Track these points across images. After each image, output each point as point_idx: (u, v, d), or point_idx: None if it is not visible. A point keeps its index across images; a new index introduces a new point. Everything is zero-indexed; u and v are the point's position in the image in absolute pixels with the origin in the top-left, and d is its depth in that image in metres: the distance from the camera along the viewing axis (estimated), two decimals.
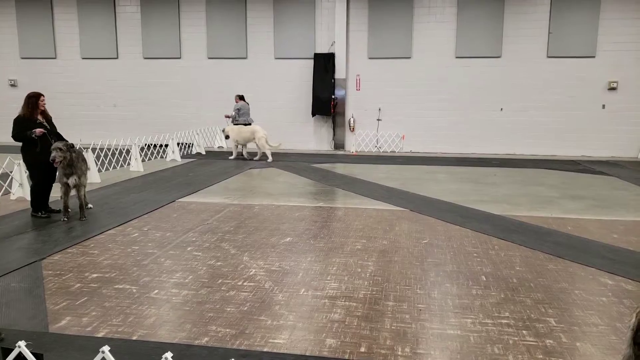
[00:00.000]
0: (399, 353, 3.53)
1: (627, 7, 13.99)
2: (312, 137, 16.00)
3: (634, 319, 2.50)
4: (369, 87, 15.45)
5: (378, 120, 15.51)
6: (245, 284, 4.77)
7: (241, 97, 13.88)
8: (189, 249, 5.83)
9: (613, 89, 14.36)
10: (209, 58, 16.34)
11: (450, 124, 15.14)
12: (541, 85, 14.62)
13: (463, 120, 15.09)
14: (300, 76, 15.75)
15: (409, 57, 15.16)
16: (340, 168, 12.20)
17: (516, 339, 3.75)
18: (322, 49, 15.52)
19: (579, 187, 9.74)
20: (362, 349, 3.58)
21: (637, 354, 2.46)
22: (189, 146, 14.97)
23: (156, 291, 4.59)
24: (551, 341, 3.71)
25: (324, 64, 15.31)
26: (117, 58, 16.85)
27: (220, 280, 4.84)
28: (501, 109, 14.90)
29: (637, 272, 5.10)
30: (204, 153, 14.62)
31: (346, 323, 3.98)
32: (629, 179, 10.61)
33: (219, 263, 5.34)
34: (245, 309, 4.22)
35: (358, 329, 3.88)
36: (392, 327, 3.91)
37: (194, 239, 6.21)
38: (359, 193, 8.97)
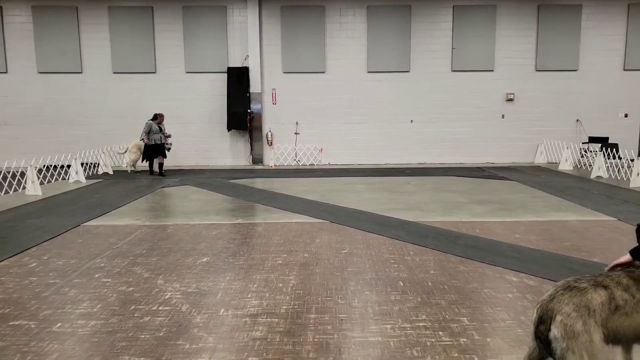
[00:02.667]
0: None
1: (519, 25, 15.33)
2: (229, 153, 15.76)
3: (535, 314, 2.65)
4: (286, 101, 15.55)
5: (296, 134, 15.63)
6: (160, 308, 4.53)
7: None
8: (96, 275, 5.44)
9: (510, 100, 15.60)
10: (115, 73, 15.59)
11: (365, 137, 15.61)
12: (447, 97, 15.54)
13: (377, 132, 15.62)
14: (214, 90, 15.50)
15: (323, 72, 15.49)
16: (259, 183, 12.09)
17: (433, 340, 3.87)
18: (236, 62, 15.41)
19: (485, 192, 10.40)
20: None
21: (540, 346, 2.61)
22: (94, 166, 14.12)
23: (59, 324, 4.22)
24: (465, 339, 3.88)
25: (238, 78, 15.19)
26: (6, 72, 15.52)
27: (132, 307, 4.55)
28: (411, 121, 15.61)
29: (537, 268, 5.50)
30: (111, 173, 13.83)
31: (268, 340, 3.90)
32: (528, 183, 11.51)
33: (130, 288, 5.03)
34: (161, 334, 4.00)
35: (280, 345, 3.81)
36: (315, 340, 3.88)
37: (102, 264, 5.81)
38: (279, 207, 8.93)
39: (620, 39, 15.41)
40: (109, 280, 5.27)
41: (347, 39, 15.38)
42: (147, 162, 13.46)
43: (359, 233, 7.10)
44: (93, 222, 7.92)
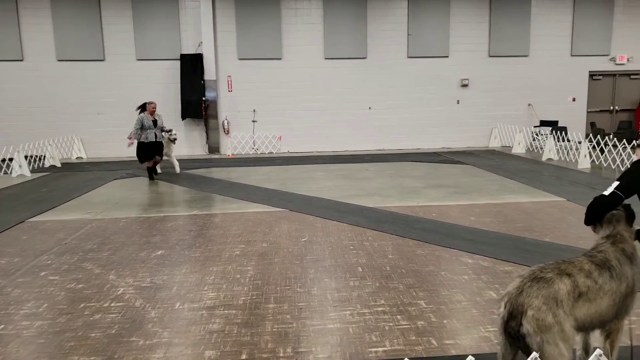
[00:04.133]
0: (281, 354, 3.47)
1: (472, 11, 15.58)
2: (184, 142, 15.34)
3: (502, 309, 2.60)
4: (242, 89, 15.26)
5: (253, 121, 15.40)
6: (112, 305, 4.36)
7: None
8: (42, 273, 5.18)
9: (465, 85, 15.88)
10: (59, 60, 14.83)
11: (324, 123, 15.55)
12: (404, 84, 15.65)
13: (336, 119, 15.59)
14: (167, 78, 15.02)
15: (280, 58, 15.27)
16: (216, 173, 11.85)
17: (391, 324, 3.89)
18: (189, 49, 14.96)
19: (441, 177, 10.58)
20: (244, 356, 3.46)
21: (510, 341, 2.60)
22: (40, 159, 13.47)
23: (1, 327, 3.99)
24: (422, 322, 3.92)
25: (192, 66, 14.77)
26: None
27: (82, 305, 4.36)
28: (370, 108, 15.66)
29: (491, 249, 5.63)
30: (59, 165, 13.22)
31: (226, 332, 3.82)
32: (482, 167, 11.79)
33: (80, 285, 4.82)
34: (113, 332, 3.85)
35: (238, 337, 3.74)
36: (274, 330, 3.84)
37: (49, 262, 5.54)
38: (237, 197, 8.78)
39: (567, 25, 15.92)
40: (57, 278, 5.03)
41: (303, 25, 15.20)
42: (145, 165, 10.72)
43: (319, 220, 7.07)
44: (39, 218, 7.55)
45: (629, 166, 2.82)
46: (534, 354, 2.14)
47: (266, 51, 15.16)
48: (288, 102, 15.39)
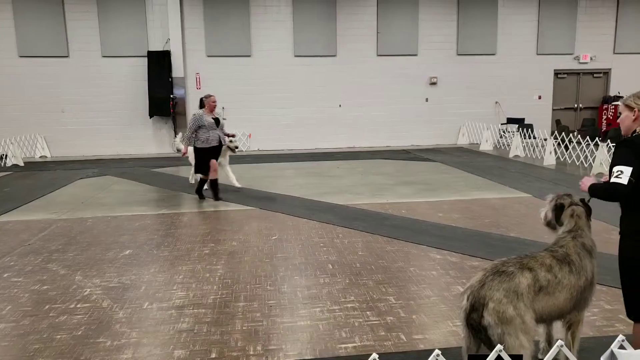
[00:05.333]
0: (251, 352, 3.47)
1: (441, 10, 15.79)
2: (152, 140, 15.09)
3: (465, 302, 2.67)
4: (211, 86, 15.03)
5: (223, 119, 15.19)
6: (78, 306, 4.27)
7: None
8: (5, 275, 5.03)
9: (434, 84, 16.10)
10: (21, 56, 14.35)
11: (294, 121, 15.52)
12: (374, 82, 15.76)
13: (306, 117, 15.58)
14: (134, 75, 14.71)
15: (249, 56, 15.15)
16: (185, 171, 11.61)
17: (361, 320, 3.94)
18: (157, 46, 14.70)
19: (411, 174, 10.71)
20: (213, 355, 3.45)
21: (472, 334, 2.67)
22: (2, 158, 13.03)
23: None
24: (392, 317, 3.97)
25: (159, 63, 14.50)
26: None
27: (47, 306, 4.26)
28: (340, 106, 15.72)
29: (459, 245, 5.75)
30: (22, 165, 12.80)
31: (195, 331, 3.80)
32: (450, 164, 12.00)
33: (45, 287, 4.70)
34: (79, 333, 3.77)
35: (208, 335, 3.72)
36: (244, 328, 3.83)
37: (11, 263, 5.38)
38: (206, 195, 8.68)
39: (533, 25, 16.32)
40: (20, 279, 4.89)
41: (272, 23, 15.12)
42: (198, 175, 8.67)
43: (289, 218, 7.07)
44: (1, 219, 7.31)
45: (619, 149, 2.83)
46: (499, 346, 2.20)
47: (235, 48, 15.02)
48: (258, 99, 15.29)
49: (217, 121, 8.30)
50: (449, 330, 3.77)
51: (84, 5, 14.37)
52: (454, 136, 16.38)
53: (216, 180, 8.30)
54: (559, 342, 2.30)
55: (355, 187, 9.27)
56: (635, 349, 3.17)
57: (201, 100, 8.36)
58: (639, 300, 2.82)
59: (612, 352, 2.15)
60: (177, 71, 14.70)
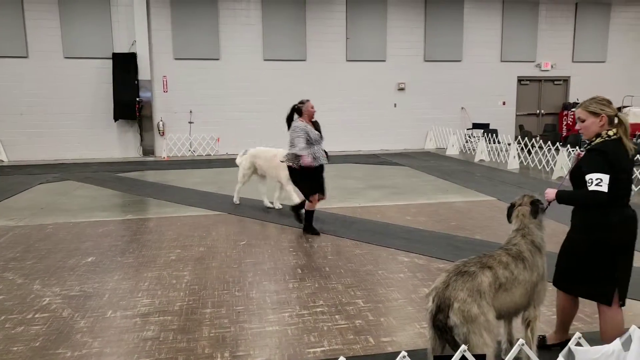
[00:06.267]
0: (218, 359, 3.41)
1: (408, 16, 16.04)
2: (117, 144, 14.73)
3: (430, 303, 2.72)
4: (178, 89, 14.85)
5: (190, 123, 15.03)
6: (37, 316, 4.10)
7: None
8: None
9: (402, 89, 16.32)
10: None
11: (264, 125, 15.41)
12: (343, 87, 15.85)
13: (276, 121, 15.39)
14: (97, 78, 14.35)
15: (218, 59, 15.01)
16: (151, 175, 11.46)
17: (330, 324, 3.92)
18: (122, 48, 14.39)
19: (380, 178, 10.80)
20: None
21: (438, 334, 2.71)
22: None
23: None
24: (360, 321, 3.98)
25: (125, 65, 14.20)
26: None
27: (2, 317, 4.08)
28: None
29: (426, 247, 5.82)
30: None
31: (161, 339, 3.71)
32: (418, 168, 12.16)
33: (0, 297, 4.50)
34: (37, 344, 3.62)
35: (174, 343, 3.64)
36: (211, 335, 3.77)
37: None
38: (173, 201, 8.53)
39: (497, 32, 16.76)
40: None
41: (242, 26, 15.03)
42: (307, 204, 6.50)
43: (258, 223, 7.01)
44: None
45: (593, 157, 3.02)
46: (463, 346, 2.23)
47: (203, 51, 14.85)
48: (226, 103, 15.15)
49: (319, 132, 6.53)
50: (416, 332, 3.79)
51: (44, 5, 13.93)
52: (421, 141, 16.61)
53: (310, 212, 6.47)
54: (520, 341, 2.36)
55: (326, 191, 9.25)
56: (558, 318, 3.41)
57: (295, 108, 6.62)
58: (565, 275, 3.22)
59: (569, 349, 2.21)
60: (143, 74, 14.42)
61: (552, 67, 17.22)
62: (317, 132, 6.43)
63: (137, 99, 14.32)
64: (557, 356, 2.24)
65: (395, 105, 16.35)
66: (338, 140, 15.89)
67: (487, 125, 16.08)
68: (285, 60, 15.38)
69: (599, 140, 3.07)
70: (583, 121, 3.13)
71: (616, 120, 3.09)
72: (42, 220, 7.27)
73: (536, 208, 3.15)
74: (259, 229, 6.73)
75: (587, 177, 2.94)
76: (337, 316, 4.06)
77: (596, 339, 3.10)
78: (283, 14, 15.17)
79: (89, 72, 14.30)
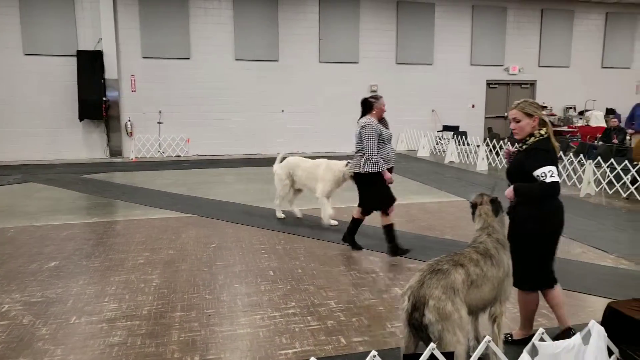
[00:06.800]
0: None
1: (381, 19, 16.16)
2: (82, 145, 14.32)
3: (406, 302, 2.73)
4: (147, 88, 14.56)
5: (159, 123, 14.74)
6: None
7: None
8: None
9: (374, 91, 16.39)
10: None
11: (235, 126, 15.29)
12: (317, 87, 15.84)
13: (248, 122, 15.40)
14: (61, 76, 13.91)
15: (188, 58, 14.78)
16: (119, 177, 11.18)
17: (302, 325, 3.89)
18: (87, 46, 13.99)
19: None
20: None
21: (413, 332, 2.73)
22: None
23: None
24: (332, 321, 3.96)
25: (90, 63, 13.81)
26: None
27: None
28: (283, 111, 15.66)
29: None
30: None
31: (128, 344, 3.60)
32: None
33: None
34: None
35: (142, 348, 3.54)
36: (180, 339, 3.68)
37: None
38: (141, 203, 8.34)
39: (467, 37, 17.07)
40: None
41: (213, 25, 14.85)
42: (360, 214, 5.83)
43: (229, 225, 6.92)
44: None
45: (541, 153, 3.27)
46: (432, 345, 2.24)
47: (173, 50, 14.60)
48: (197, 103, 14.94)
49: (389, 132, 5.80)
50: (388, 331, 3.80)
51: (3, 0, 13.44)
52: (393, 143, 16.69)
53: (390, 227, 5.60)
54: (487, 338, 2.39)
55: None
56: (521, 314, 3.51)
57: (367, 102, 5.73)
58: (523, 272, 3.30)
59: (533, 345, 2.26)
60: (110, 72, 14.07)
61: (519, 71, 17.64)
62: (390, 131, 5.83)
63: (104, 99, 13.96)
64: (522, 352, 2.28)
65: None
66: (311, 141, 15.91)
67: (457, 127, 16.34)
68: (258, 61, 15.28)
69: (533, 139, 3.31)
70: (518, 122, 3.35)
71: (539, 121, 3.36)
72: (3, 224, 6.99)
73: (497, 207, 3.24)
74: (230, 231, 6.64)
75: (538, 171, 3.16)
76: (309, 317, 4.03)
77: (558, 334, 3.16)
78: (255, 14, 15.07)
79: (52, 70, 13.86)
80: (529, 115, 3.30)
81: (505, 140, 13.68)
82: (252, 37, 15.11)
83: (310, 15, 15.58)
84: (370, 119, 5.60)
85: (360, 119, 5.70)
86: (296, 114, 15.80)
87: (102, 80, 13.94)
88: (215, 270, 5.14)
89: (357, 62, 16.13)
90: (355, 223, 5.80)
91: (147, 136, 14.71)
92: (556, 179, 3.16)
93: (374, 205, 5.68)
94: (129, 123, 14.47)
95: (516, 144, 3.50)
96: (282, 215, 7.31)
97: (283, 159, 7.47)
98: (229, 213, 7.60)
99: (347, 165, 6.26)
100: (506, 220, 3.36)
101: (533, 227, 3.27)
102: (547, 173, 3.14)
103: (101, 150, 14.48)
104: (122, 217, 7.47)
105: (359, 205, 5.78)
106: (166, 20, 14.43)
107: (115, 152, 14.51)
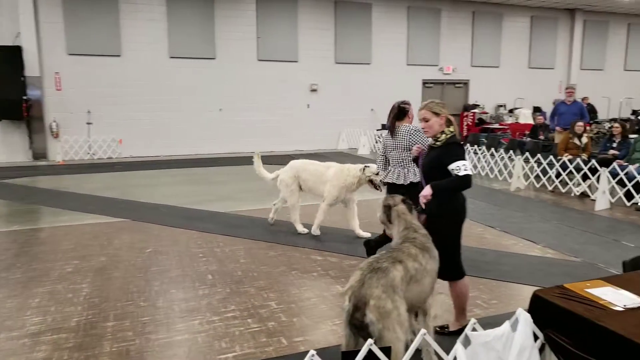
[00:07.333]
0: None
1: (319, 18, 16.16)
2: (1, 147, 13.31)
3: (347, 303, 2.69)
4: (74, 87, 13.75)
5: (88, 123, 13.97)
6: None
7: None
8: None
9: (314, 90, 16.45)
10: None
11: (172, 126, 14.79)
12: (256, 86, 15.62)
13: (184, 121, 14.95)
14: None
15: (119, 55, 14.11)
16: (44, 181, 10.47)
17: (242, 328, 3.81)
18: (4, 40, 12.95)
19: None
20: None
21: (354, 332, 2.70)
22: None
23: None
24: (273, 323, 3.90)
25: (8, 59, 12.75)
26: None
27: None
28: (220, 110, 15.35)
29: (338, 246, 5.88)
30: None
31: (54, 359, 3.35)
32: None
33: None
34: None
35: None
36: (113, 349, 3.50)
37: None
38: (69, 208, 7.84)
39: (403, 37, 17.46)
40: None
41: (145, 21, 14.25)
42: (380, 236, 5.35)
43: (165, 229, 6.66)
44: None
45: (455, 148, 3.48)
46: (370, 341, 2.24)
47: (102, 47, 13.87)
48: (130, 102, 14.30)
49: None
50: (329, 329, 3.78)
51: None
52: (334, 141, 16.87)
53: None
54: (422, 331, 2.42)
55: (237, 193, 9.07)
56: (456, 305, 3.64)
57: (403, 109, 5.18)
58: (449, 265, 3.43)
59: (466, 335, 2.31)
60: (31, 70, 13.14)
61: (453, 71, 18.28)
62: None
63: (24, 98, 13.02)
64: (455, 342, 2.32)
65: (308, 106, 16.45)
66: (251, 141, 15.70)
67: None
68: (193, 59, 14.85)
69: (444, 136, 3.51)
70: (427, 121, 3.53)
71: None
72: None
73: (409, 205, 3.37)
74: (166, 235, 6.39)
75: (453, 165, 3.37)
76: (249, 320, 3.94)
77: (493, 322, 3.26)
78: (189, 11, 14.63)
79: None
80: (437, 114, 3.50)
81: None
82: (187, 34, 14.67)
83: (247, 13, 15.35)
84: (414, 125, 5.10)
85: (395, 124, 5.09)
86: (236, 113, 15.53)
87: (22, 78, 12.99)
88: (150, 276, 4.93)
89: (296, 61, 16.09)
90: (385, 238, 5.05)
91: (76, 137, 13.89)
92: (469, 172, 3.38)
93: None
94: (54, 124, 13.59)
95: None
96: (305, 230, 6.39)
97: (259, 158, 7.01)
98: (165, 216, 7.32)
99: (375, 173, 5.80)
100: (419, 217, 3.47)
101: (450, 219, 3.47)
102: (461, 167, 3.35)
103: (23, 153, 13.51)
104: (47, 224, 7.00)
105: None
106: (93, 15, 13.67)
107: (39, 154, 13.59)
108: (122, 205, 8.05)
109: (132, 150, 14.41)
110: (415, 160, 3.95)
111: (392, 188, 5.04)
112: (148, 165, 12.84)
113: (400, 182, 5.01)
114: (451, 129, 3.53)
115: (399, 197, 3.42)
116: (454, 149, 3.45)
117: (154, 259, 5.46)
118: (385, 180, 5.24)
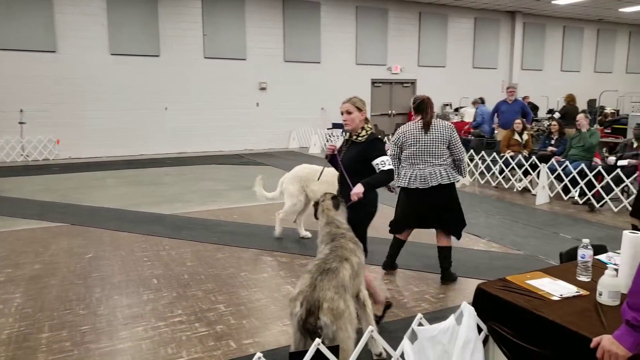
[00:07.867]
0: None
1: (267, 17, 15.99)
2: None
3: (298, 308, 2.59)
4: (4, 85, 12.87)
5: (21, 123, 13.18)
6: None
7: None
8: None
9: (263, 89, 16.28)
10: None
11: (114, 125, 14.21)
12: (203, 84, 15.29)
13: (128, 120, 14.41)
14: None
15: (54, 51, 13.40)
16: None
17: (189, 333, 3.68)
18: None
19: (243, 179, 10.57)
20: None
21: (306, 336, 2.61)
22: None
23: None
24: (221, 326, 3.79)
25: None
26: None
27: None
28: (166, 109, 14.91)
29: (290, 245, 5.82)
30: None
31: None
32: (282, 167, 12.14)
33: None
34: None
35: None
36: None
37: None
38: (2, 214, 7.37)
39: (352, 36, 17.59)
40: None
41: (83, 16, 13.61)
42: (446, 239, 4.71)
43: (107, 233, 6.36)
44: None
45: (378, 144, 3.65)
46: (317, 340, 2.21)
47: (36, 42, 13.11)
48: (67, 101, 13.61)
49: None
50: (279, 330, 3.72)
51: None
52: (285, 140, 16.77)
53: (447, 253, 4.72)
54: (370, 328, 2.41)
55: (184, 195, 8.82)
56: (369, 290, 3.55)
57: (422, 102, 4.61)
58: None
59: (412, 330, 2.33)
60: None
61: (401, 70, 18.60)
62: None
63: None
64: (402, 337, 2.33)
65: (257, 104, 16.27)
66: (198, 140, 15.37)
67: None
68: (136, 56, 14.33)
69: (365, 132, 3.66)
70: (350, 114, 3.66)
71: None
72: None
73: (337, 202, 3.43)
74: (107, 239, 6.11)
75: (378, 160, 3.53)
76: (196, 324, 3.82)
77: (440, 316, 3.30)
78: (131, 6, 14.09)
79: None
80: (359, 110, 3.67)
81: (390, 136, 14.36)
82: (129, 30, 14.13)
83: (193, 10, 14.98)
84: (445, 122, 4.64)
85: (427, 120, 4.54)
86: (182, 112, 15.13)
87: None
88: (90, 283, 4.68)
89: (244, 59, 15.87)
90: (448, 250, 4.68)
91: (7, 138, 13.07)
92: (391, 166, 3.58)
93: (464, 221, 4.73)
94: None
95: (345, 136, 3.87)
96: (308, 234, 6.07)
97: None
98: (107, 220, 7.00)
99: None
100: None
101: (370, 210, 3.64)
102: (385, 162, 3.55)
103: None
104: None
105: (446, 226, 4.61)
106: (25, 8, 12.89)
107: None
108: (61, 209, 7.64)
109: (72, 151, 13.74)
110: (329, 158, 3.96)
111: (436, 191, 4.46)
112: (90, 166, 12.29)
113: (446, 182, 4.46)
114: (370, 125, 3.71)
115: (329, 195, 3.49)
116: (377, 145, 3.61)
117: (94, 264, 5.20)
118: (414, 185, 4.51)
